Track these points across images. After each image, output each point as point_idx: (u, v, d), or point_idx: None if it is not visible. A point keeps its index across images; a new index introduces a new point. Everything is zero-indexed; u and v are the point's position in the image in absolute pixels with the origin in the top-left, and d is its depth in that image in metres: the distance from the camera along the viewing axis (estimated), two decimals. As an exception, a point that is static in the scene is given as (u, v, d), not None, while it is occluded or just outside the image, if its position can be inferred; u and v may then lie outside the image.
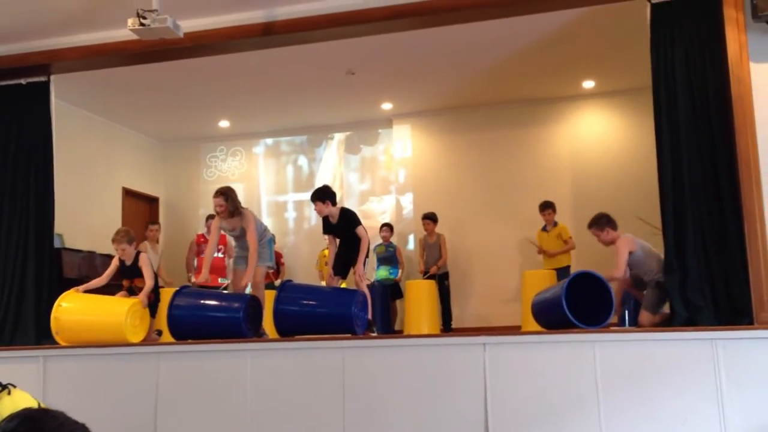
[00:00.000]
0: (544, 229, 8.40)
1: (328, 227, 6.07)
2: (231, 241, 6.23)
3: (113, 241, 6.06)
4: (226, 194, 6.00)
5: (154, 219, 9.86)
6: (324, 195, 5.95)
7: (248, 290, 6.27)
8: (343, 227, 6.00)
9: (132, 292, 6.04)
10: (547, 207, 8.36)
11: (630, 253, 5.57)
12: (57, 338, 5.65)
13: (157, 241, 8.91)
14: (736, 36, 5.12)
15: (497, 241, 9.23)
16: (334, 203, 6.00)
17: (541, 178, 9.26)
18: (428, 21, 6.08)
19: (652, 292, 5.63)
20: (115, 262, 6.13)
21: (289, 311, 5.48)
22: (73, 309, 5.76)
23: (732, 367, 4.23)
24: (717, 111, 5.16)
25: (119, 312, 5.64)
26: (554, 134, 9.41)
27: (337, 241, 6.16)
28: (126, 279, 6.16)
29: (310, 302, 5.75)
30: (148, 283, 5.91)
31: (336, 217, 5.99)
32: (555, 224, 8.33)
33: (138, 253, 6.09)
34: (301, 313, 5.58)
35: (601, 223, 5.79)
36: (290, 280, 6.19)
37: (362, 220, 6.14)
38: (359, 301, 5.53)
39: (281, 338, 5.35)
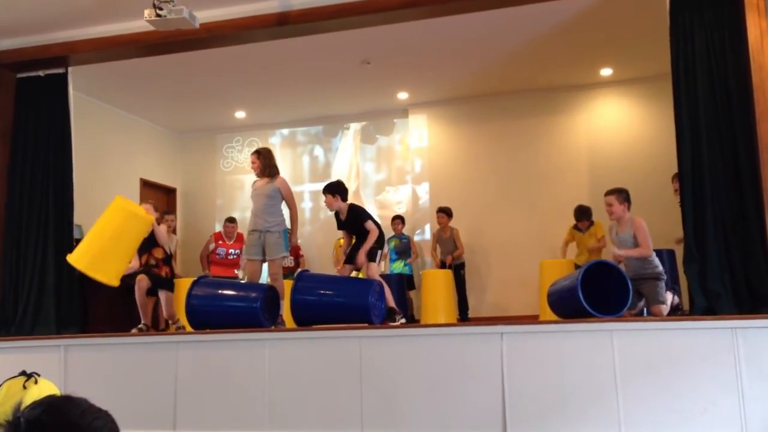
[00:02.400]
0: (578, 228, 8.26)
1: (340, 223, 6.14)
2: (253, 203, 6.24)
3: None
4: (260, 152, 6.22)
5: (171, 209, 9.91)
6: (335, 189, 5.98)
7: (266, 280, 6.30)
8: (352, 223, 6.04)
9: (148, 267, 6.15)
10: (580, 217, 8.15)
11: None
12: (89, 272, 5.60)
13: (173, 232, 8.95)
14: (756, 22, 5.05)
15: (514, 229, 9.19)
16: (344, 199, 6.02)
17: (558, 168, 9.20)
18: (444, 9, 6.05)
19: (653, 284, 5.36)
20: None
21: (307, 301, 5.51)
22: (81, 246, 5.82)
23: (752, 356, 4.20)
24: (737, 98, 5.09)
25: (114, 205, 5.76)
26: (571, 123, 9.34)
27: (353, 235, 6.20)
28: (144, 253, 6.24)
29: (328, 292, 5.78)
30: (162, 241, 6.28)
31: (345, 213, 6.03)
32: (591, 223, 8.15)
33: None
34: (318, 302, 5.61)
35: (623, 195, 5.64)
36: (307, 270, 6.22)
37: (378, 210, 6.14)
38: (376, 291, 5.54)
39: (299, 328, 5.38)
